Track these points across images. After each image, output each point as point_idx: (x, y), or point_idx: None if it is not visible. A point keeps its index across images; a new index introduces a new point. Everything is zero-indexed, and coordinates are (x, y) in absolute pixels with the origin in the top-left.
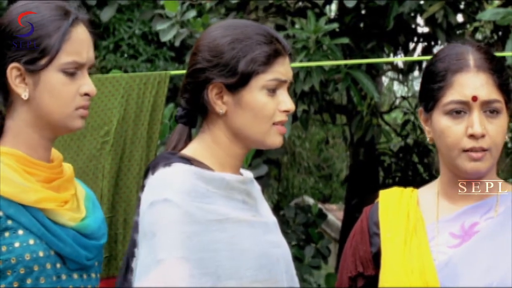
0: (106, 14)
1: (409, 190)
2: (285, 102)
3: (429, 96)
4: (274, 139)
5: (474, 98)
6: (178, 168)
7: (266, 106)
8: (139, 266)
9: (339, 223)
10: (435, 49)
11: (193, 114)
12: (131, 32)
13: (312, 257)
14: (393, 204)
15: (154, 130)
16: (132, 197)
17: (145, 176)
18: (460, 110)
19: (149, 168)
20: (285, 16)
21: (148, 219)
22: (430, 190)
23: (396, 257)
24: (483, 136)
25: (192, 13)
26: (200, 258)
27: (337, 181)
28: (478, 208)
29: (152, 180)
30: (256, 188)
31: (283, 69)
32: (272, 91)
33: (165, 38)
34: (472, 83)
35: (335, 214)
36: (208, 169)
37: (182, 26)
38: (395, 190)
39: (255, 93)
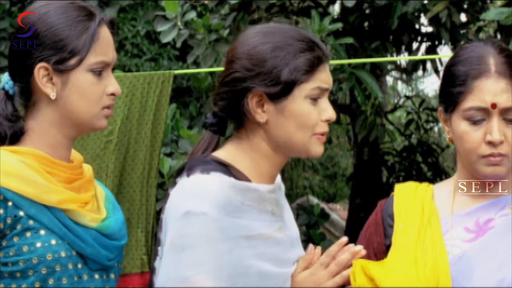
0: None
1: (425, 185)
2: (327, 110)
3: (449, 99)
4: (317, 149)
5: (494, 106)
6: (216, 178)
7: (310, 116)
8: (161, 276)
9: (343, 223)
10: (439, 49)
11: (225, 122)
12: (135, 31)
13: None
14: (408, 197)
15: (158, 129)
16: (136, 196)
17: (178, 174)
18: (479, 119)
19: (184, 169)
20: (288, 16)
21: (180, 229)
22: (446, 186)
23: (407, 248)
24: (501, 142)
25: (192, 14)
26: (229, 274)
27: (342, 180)
28: (494, 205)
29: (188, 185)
30: (282, 191)
31: (324, 76)
32: (315, 99)
33: (166, 39)
34: (492, 89)
35: (339, 213)
36: (245, 179)
37: (186, 26)
38: (411, 184)
39: (299, 102)
